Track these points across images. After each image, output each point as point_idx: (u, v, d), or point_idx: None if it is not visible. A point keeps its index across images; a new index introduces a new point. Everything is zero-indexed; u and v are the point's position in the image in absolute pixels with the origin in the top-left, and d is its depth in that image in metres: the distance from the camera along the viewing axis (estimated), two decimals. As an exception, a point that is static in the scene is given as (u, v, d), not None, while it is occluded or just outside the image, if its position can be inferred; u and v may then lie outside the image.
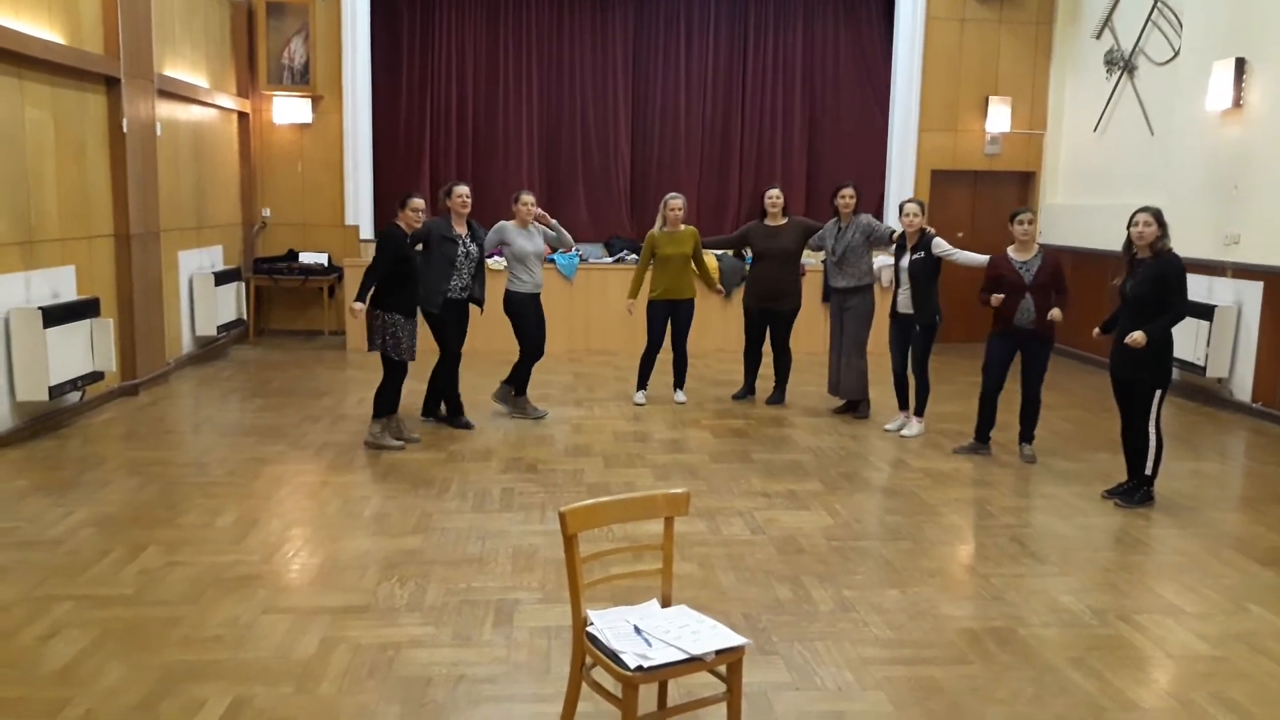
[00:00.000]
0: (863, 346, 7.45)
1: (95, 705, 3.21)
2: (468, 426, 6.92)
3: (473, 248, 6.85)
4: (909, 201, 6.85)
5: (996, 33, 11.14)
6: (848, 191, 7.39)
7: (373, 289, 6.23)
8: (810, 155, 11.62)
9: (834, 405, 7.75)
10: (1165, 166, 9.12)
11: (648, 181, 11.39)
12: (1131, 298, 5.37)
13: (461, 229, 6.83)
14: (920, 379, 6.98)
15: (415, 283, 6.36)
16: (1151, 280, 5.27)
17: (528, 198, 7.19)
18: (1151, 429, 5.43)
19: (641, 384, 7.82)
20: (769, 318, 7.76)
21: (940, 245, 6.73)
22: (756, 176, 11.48)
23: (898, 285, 6.93)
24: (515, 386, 7.32)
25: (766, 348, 7.94)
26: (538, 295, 7.25)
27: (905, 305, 6.87)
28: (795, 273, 7.74)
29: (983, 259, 6.56)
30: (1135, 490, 5.56)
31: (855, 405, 7.59)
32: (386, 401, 6.44)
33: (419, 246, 6.45)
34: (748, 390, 7.99)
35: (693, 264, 7.58)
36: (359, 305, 6.26)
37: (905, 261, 6.81)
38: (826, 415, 7.54)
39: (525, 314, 7.17)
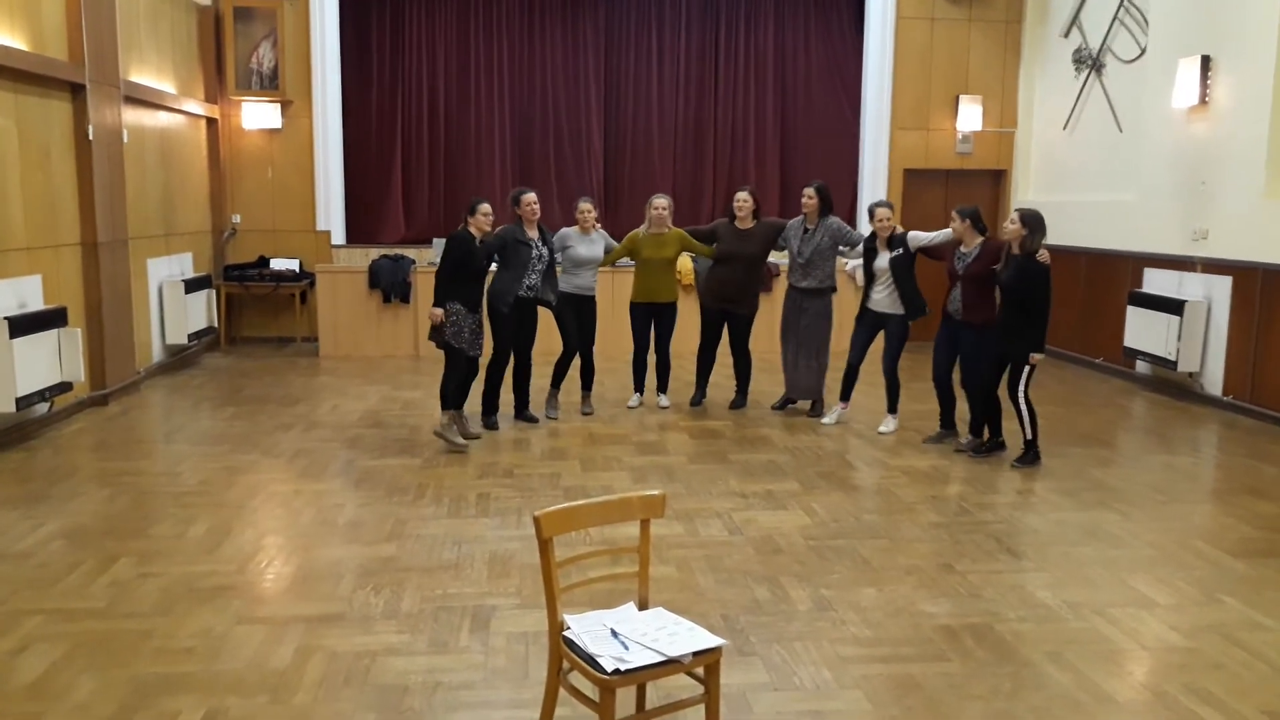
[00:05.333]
0: (824, 348, 7.44)
1: (66, 720, 3.17)
2: (494, 427, 7.04)
3: (544, 250, 6.99)
4: (880, 206, 6.94)
5: (966, 31, 11.22)
6: (809, 191, 7.31)
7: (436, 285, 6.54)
8: (783, 153, 11.66)
9: (780, 405, 7.77)
10: (1134, 163, 9.22)
11: (621, 179, 11.40)
12: (1002, 286, 6.12)
13: (533, 233, 6.96)
14: (891, 376, 7.05)
15: (479, 282, 6.61)
16: (1016, 273, 5.98)
17: (586, 204, 7.35)
18: (1022, 398, 6.11)
19: (637, 387, 7.78)
20: (727, 319, 7.63)
21: (918, 238, 6.85)
22: (730, 174, 11.52)
23: (872, 284, 6.98)
24: (553, 380, 7.46)
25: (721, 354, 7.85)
26: (587, 298, 7.33)
27: (882, 305, 6.94)
28: (758, 277, 7.67)
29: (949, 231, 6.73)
30: (1027, 454, 6.25)
31: (787, 404, 7.72)
32: (454, 394, 6.56)
33: (494, 258, 6.85)
34: (701, 396, 7.85)
35: (687, 259, 7.55)
36: (439, 311, 6.45)
37: (884, 261, 6.87)
38: (802, 415, 7.55)
39: (566, 313, 7.26)
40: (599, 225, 7.50)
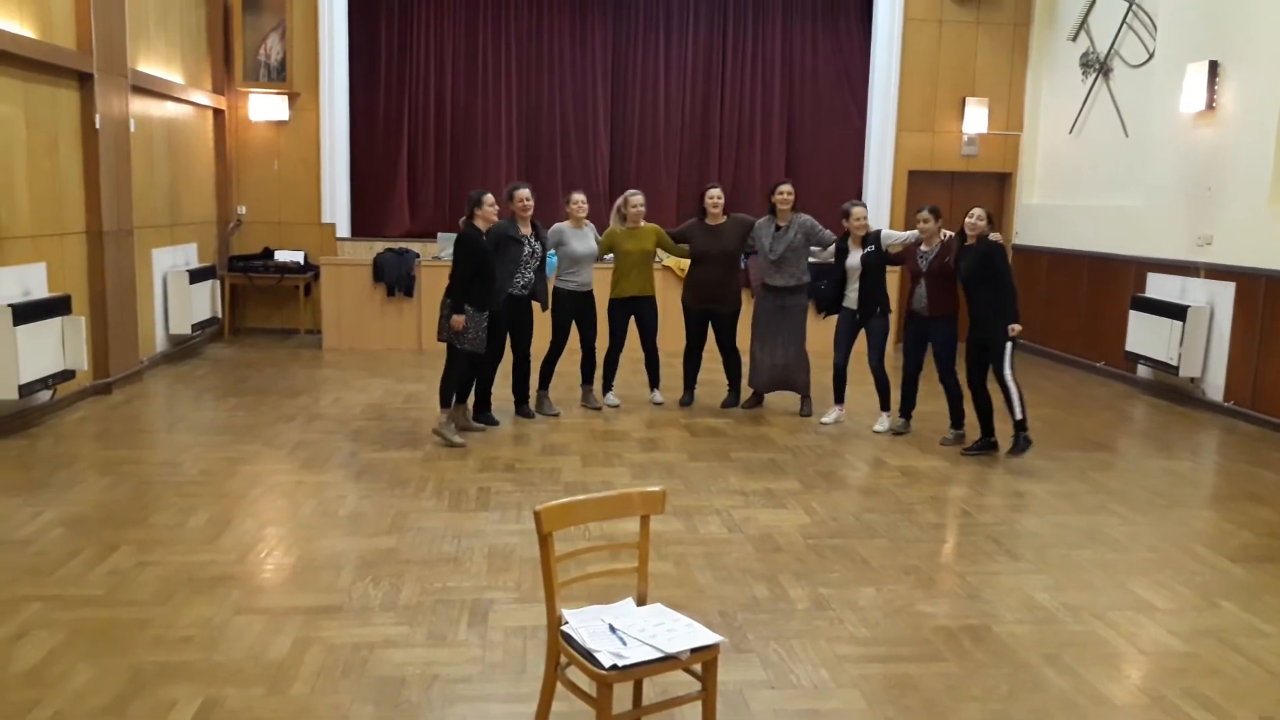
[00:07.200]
0: (804, 342, 7.47)
1: (64, 707, 3.17)
2: (493, 423, 7.01)
3: (537, 246, 6.98)
4: (856, 205, 7.09)
5: (974, 34, 11.21)
6: (786, 188, 7.33)
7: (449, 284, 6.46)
8: (789, 154, 11.64)
9: (759, 401, 7.76)
10: (1140, 168, 9.20)
11: (626, 178, 11.36)
12: (967, 278, 6.38)
13: (527, 229, 6.93)
14: (879, 374, 7.09)
15: (490, 278, 6.51)
16: (980, 260, 6.29)
17: (579, 196, 7.34)
18: (1009, 377, 6.27)
19: (608, 385, 7.71)
20: (711, 319, 7.59)
21: (891, 236, 7.05)
22: (735, 172, 11.51)
23: (846, 284, 7.08)
24: (542, 381, 7.42)
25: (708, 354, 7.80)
26: (587, 293, 7.34)
27: (853, 302, 7.04)
28: (737, 273, 7.61)
29: (914, 232, 6.94)
30: (1018, 440, 6.33)
31: (761, 399, 7.75)
32: (451, 391, 6.54)
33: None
34: (689, 398, 7.78)
35: (661, 255, 7.53)
36: (460, 318, 6.36)
37: (856, 259, 6.98)
38: (794, 414, 7.51)
39: (564, 311, 7.29)
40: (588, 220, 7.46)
